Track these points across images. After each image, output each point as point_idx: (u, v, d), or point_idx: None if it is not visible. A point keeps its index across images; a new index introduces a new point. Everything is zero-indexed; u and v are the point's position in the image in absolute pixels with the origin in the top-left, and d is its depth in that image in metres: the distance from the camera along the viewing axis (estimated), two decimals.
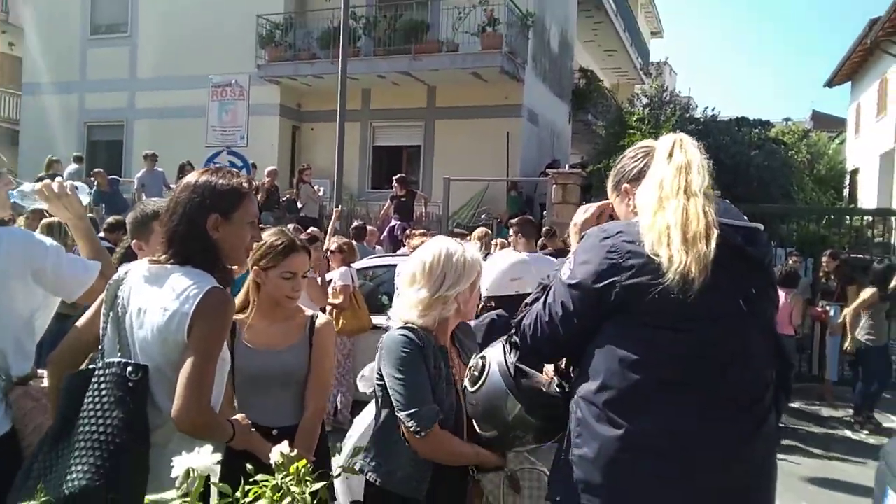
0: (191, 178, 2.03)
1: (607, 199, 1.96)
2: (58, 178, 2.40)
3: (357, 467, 2.21)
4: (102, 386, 1.82)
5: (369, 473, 2.18)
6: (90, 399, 1.81)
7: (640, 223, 1.66)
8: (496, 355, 1.90)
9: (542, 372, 1.96)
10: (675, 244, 1.58)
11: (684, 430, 1.57)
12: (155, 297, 1.90)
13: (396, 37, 14.55)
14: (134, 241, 2.70)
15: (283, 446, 1.53)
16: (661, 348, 1.60)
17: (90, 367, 1.92)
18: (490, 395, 1.83)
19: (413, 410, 2.03)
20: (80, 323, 2.10)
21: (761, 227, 1.72)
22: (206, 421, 1.87)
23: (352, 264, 6.72)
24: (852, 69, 24.58)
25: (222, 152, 10.38)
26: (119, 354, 1.90)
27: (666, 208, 1.63)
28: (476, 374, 1.91)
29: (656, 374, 1.59)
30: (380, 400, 2.22)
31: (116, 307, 1.96)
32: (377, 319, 6.57)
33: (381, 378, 2.21)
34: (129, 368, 1.82)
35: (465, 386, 2.00)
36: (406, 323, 2.19)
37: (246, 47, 15.41)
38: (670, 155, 1.73)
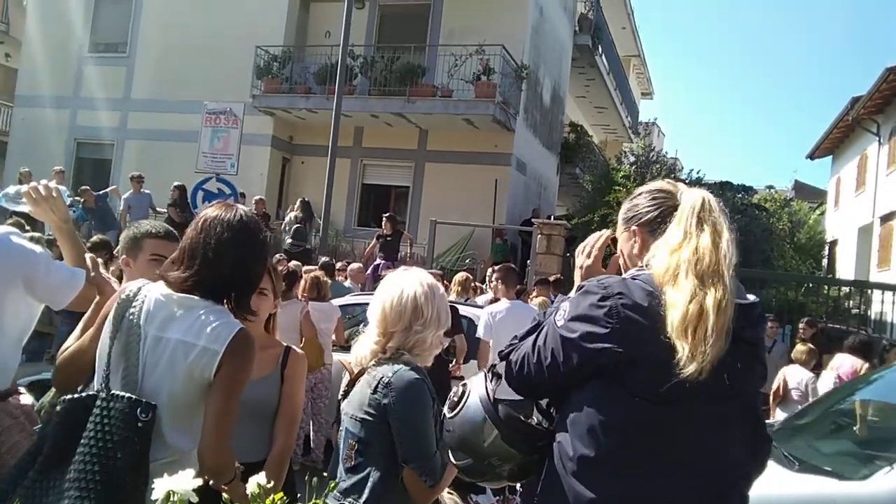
0: (233, 217, 1.97)
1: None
2: (43, 181, 2.38)
3: None
4: (107, 422, 1.74)
5: None
6: (92, 434, 1.73)
7: (667, 299, 1.60)
8: (477, 383, 1.86)
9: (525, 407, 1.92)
10: (699, 338, 1.53)
11: (652, 498, 1.58)
12: (180, 328, 1.84)
13: (392, 78, 14.72)
14: (123, 258, 2.66)
15: (260, 478, 1.50)
16: (641, 419, 1.60)
17: (90, 393, 1.83)
18: (467, 420, 1.79)
19: (426, 463, 2.03)
20: (85, 339, 2.03)
21: (757, 301, 1.70)
22: (228, 460, 1.85)
23: (322, 299, 6.61)
24: (833, 144, 25.22)
25: (211, 179, 10.36)
26: (122, 381, 1.82)
27: (706, 293, 1.57)
28: (455, 399, 1.85)
29: (633, 443, 1.60)
30: (365, 442, 2.13)
31: (125, 329, 1.88)
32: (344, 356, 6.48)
33: (371, 416, 2.13)
34: (140, 408, 1.76)
35: (444, 412, 1.93)
36: (407, 363, 2.16)
37: (242, 76, 15.52)
38: (700, 221, 1.67)
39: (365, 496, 2.09)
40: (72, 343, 2.07)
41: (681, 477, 1.60)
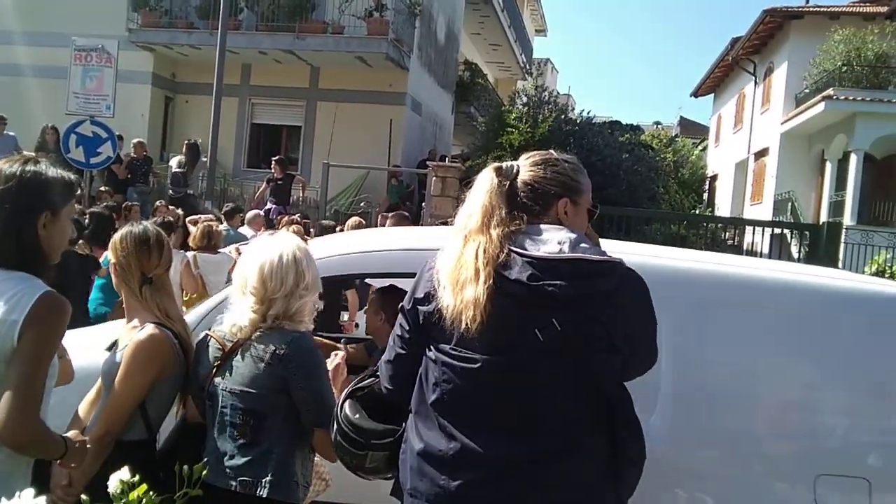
0: (6, 168, 1.80)
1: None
2: None
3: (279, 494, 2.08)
4: None
5: (291, 495, 2.09)
6: None
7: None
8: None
9: None
10: (447, 289, 1.67)
11: (457, 449, 1.66)
12: None
13: (280, 13, 14.08)
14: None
15: (123, 473, 1.45)
16: (445, 373, 1.70)
17: None
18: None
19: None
20: None
21: (586, 257, 1.62)
22: (35, 434, 1.74)
23: (212, 250, 6.40)
24: (715, 82, 26.39)
25: (85, 122, 9.65)
26: None
27: (447, 250, 1.74)
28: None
29: (440, 396, 1.70)
30: (260, 416, 2.08)
31: None
32: None
33: (266, 390, 2.07)
34: None
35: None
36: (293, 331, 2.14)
37: (116, 8, 14.40)
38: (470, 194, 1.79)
39: (271, 471, 2.04)
40: None
41: (492, 432, 1.65)
